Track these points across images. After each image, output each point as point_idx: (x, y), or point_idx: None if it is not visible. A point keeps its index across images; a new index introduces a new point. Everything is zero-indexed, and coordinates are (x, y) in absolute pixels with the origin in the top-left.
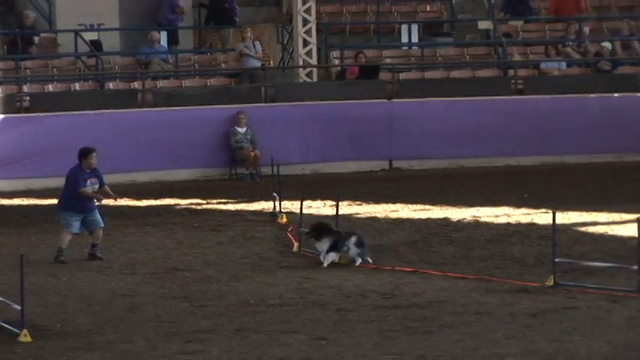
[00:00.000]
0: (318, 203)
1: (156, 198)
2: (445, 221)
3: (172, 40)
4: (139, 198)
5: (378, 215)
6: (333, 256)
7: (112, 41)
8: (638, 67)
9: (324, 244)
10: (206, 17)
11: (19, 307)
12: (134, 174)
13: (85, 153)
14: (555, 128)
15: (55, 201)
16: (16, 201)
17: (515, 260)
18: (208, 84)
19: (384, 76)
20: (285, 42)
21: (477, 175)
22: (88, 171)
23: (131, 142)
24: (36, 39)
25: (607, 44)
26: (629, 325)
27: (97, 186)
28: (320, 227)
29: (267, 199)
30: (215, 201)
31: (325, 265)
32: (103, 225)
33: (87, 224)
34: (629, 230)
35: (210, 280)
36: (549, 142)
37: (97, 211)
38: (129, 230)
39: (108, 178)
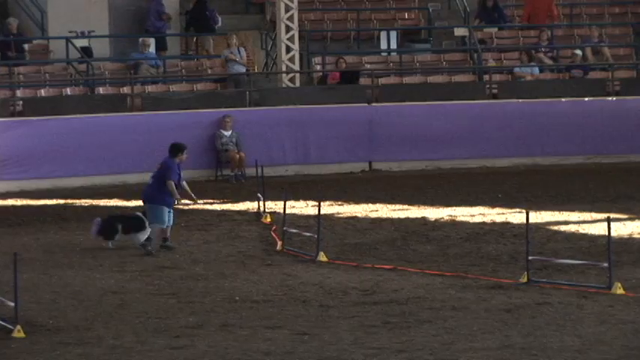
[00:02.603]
0: (301, 203)
1: None
2: (423, 220)
3: (160, 46)
4: (128, 199)
5: (359, 215)
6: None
7: (102, 48)
8: (608, 72)
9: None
10: (186, 24)
11: (12, 304)
12: (124, 175)
13: (180, 149)
14: (528, 131)
15: (47, 202)
16: (10, 202)
17: (490, 258)
18: (195, 89)
19: (364, 81)
20: (268, 48)
21: (453, 177)
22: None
23: (120, 144)
24: (26, 46)
25: (578, 51)
26: (600, 320)
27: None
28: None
29: (251, 200)
30: (201, 201)
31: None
32: (175, 222)
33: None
34: (599, 229)
35: (197, 278)
36: (523, 144)
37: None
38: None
39: (99, 180)
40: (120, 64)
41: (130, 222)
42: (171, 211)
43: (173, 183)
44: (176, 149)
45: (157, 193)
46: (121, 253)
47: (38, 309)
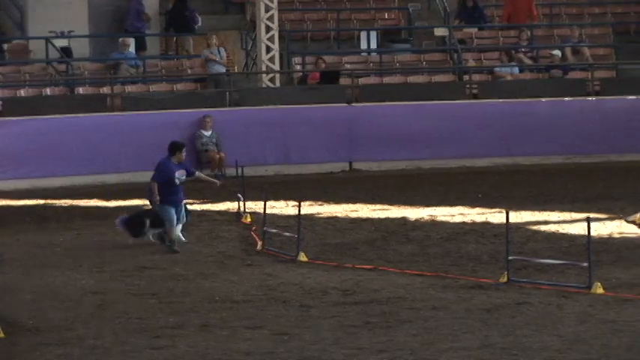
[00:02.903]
0: (281, 203)
1: (124, 199)
2: (403, 220)
3: (140, 46)
4: (108, 199)
5: (339, 215)
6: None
7: (81, 48)
8: (588, 72)
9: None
10: (166, 24)
11: None
12: (103, 176)
13: (177, 147)
14: (508, 131)
15: (27, 202)
16: None
17: (470, 258)
18: (175, 89)
19: (344, 81)
20: (248, 48)
21: (433, 176)
22: (176, 163)
23: (100, 145)
24: (5, 45)
25: (557, 52)
26: (580, 319)
27: (184, 177)
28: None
29: (231, 200)
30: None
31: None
32: (189, 220)
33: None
34: (579, 229)
35: (177, 278)
36: (503, 144)
37: (184, 204)
38: (99, 230)
39: (78, 180)
40: (100, 64)
41: (158, 217)
42: (182, 209)
43: (156, 184)
44: (172, 148)
45: (161, 193)
46: (101, 254)
47: (18, 309)
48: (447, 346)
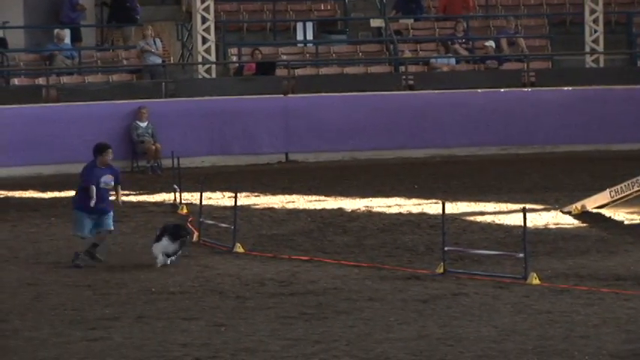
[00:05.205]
0: (217, 195)
1: (60, 190)
2: (339, 211)
3: (75, 37)
4: (43, 190)
5: (275, 206)
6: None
7: (16, 39)
8: (523, 63)
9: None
10: (108, 16)
11: None
12: (39, 167)
13: (100, 149)
14: (444, 122)
15: None
16: None
17: (407, 249)
18: (110, 80)
19: (280, 72)
20: (184, 39)
21: (369, 167)
22: (102, 168)
23: (36, 135)
24: None
25: (490, 43)
26: (516, 310)
27: (112, 183)
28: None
29: (167, 191)
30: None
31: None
32: (111, 228)
33: (98, 226)
34: (515, 219)
35: (112, 270)
36: (439, 135)
37: (111, 214)
38: (34, 221)
39: (14, 171)
40: (35, 55)
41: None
42: (107, 216)
43: (93, 187)
44: (95, 150)
45: (78, 197)
46: (37, 245)
47: None
48: (383, 337)
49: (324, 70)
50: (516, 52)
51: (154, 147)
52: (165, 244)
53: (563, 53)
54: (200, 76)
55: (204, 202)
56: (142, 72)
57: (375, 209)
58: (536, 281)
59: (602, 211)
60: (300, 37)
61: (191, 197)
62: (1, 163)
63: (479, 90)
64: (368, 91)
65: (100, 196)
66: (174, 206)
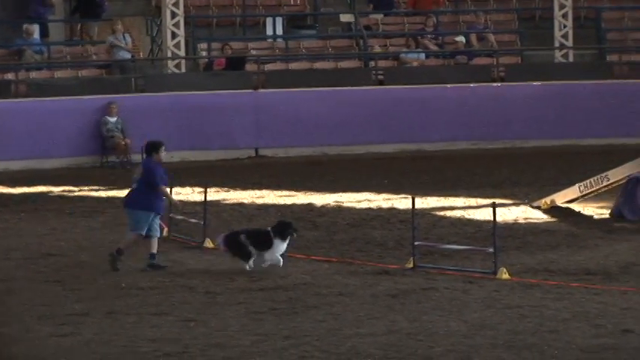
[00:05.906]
0: (187, 190)
1: (29, 185)
2: (309, 207)
3: (44, 32)
4: (12, 185)
5: (245, 201)
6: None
7: None
8: (493, 59)
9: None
10: (72, 9)
11: None
12: (8, 162)
13: (156, 146)
14: (414, 117)
15: None
16: None
17: (377, 244)
18: (80, 75)
19: (249, 67)
20: (154, 34)
21: (339, 163)
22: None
23: (5, 131)
24: None
25: (460, 38)
26: (485, 304)
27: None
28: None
29: None
30: (87, 188)
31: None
32: (158, 234)
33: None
34: (484, 214)
35: (82, 265)
36: (409, 130)
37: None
38: (3, 217)
39: None
40: (3, 50)
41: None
42: (157, 218)
43: (166, 187)
44: (150, 148)
45: (143, 196)
46: (6, 241)
47: None
48: (353, 332)
49: (293, 65)
50: (486, 47)
51: (123, 142)
52: (281, 247)
53: (532, 48)
54: (170, 71)
55: (174, 197)
56: (111, 67)
57: (345, 204)
58: (505, 276)
59: (572, 205)
60: (269, 32)
61: None
62: None
63: (448, 85)
64: (338, 86)
65: (160, 196)
66: None
